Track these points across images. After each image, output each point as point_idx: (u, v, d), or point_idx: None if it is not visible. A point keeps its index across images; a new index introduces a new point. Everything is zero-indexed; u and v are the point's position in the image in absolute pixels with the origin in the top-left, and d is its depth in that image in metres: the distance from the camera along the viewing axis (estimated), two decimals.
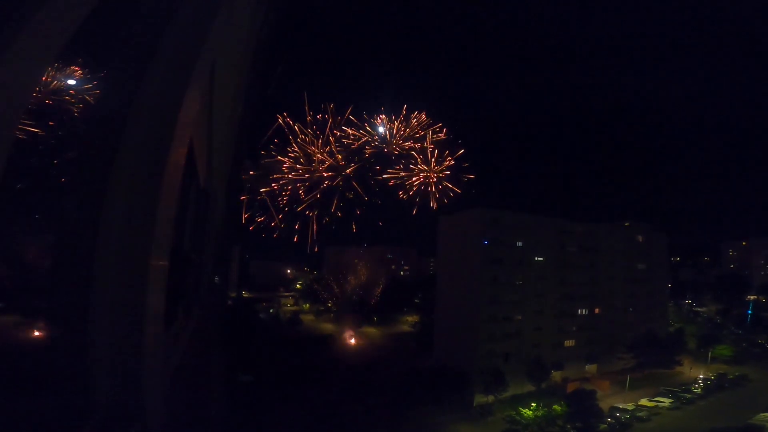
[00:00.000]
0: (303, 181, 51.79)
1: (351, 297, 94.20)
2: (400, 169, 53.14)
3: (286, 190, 50.98)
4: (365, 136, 53.30)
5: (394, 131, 53.31)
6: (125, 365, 4.56)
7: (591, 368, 69.27)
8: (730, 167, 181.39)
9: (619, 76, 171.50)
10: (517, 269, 66.93)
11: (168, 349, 6.49)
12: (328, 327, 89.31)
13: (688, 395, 59.37)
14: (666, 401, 57.19)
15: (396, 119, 53.65)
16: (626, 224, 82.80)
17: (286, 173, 50.93)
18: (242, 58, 9.39)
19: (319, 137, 52.10)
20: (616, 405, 55.10)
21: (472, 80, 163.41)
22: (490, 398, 56.58)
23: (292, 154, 51.39)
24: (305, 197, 51.54)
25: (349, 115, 52.78)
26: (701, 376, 66.07)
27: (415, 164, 53.48)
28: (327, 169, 52.47)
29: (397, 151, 52.79)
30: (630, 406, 55.07)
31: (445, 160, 53.25)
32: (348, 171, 52.68)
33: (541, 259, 69.41)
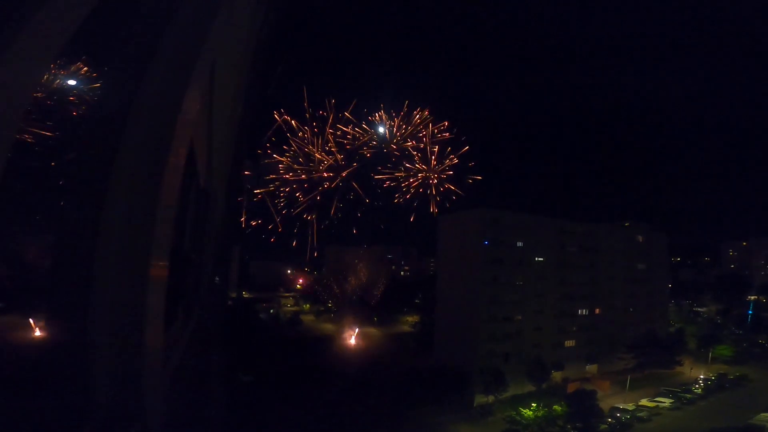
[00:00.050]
0: (302, 182, 51.77)
1: (351, 297, 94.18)
2: (398, 171, 53.03)
3: (284, 192, 50.96)
4: (365, 135, 53.25)
5: (395, 129, 53.12)
6: (125, 365, 4.55)
7: (591, 368, 69.30)
8: (730, 167, 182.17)
9: (619, 76, 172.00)
10: (517, 269, 66.94)
11: (168, 349, 6.48)
12: (328, 327, 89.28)
13: (688, 395, 59.43)
14: (666, 401, 57.23)
15: (397, 117, 53.39)
16: (626, 224, 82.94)
17: (285, 174, 50.90)
18: (242, 58, 9.39)
19: (319, 137, 52.05)
20: (616, 405, 55.12)
21: (472, 80, 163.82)
22: (491, 398, 56.56)
23: (290, 154, 51.34)
24: (304, 199, 51.50)
25: (349, 113, 52.72)
26: (702, 377, 66.14)
27: (415, 164, 53.31)
28: (327, 170, 52.43)
29: (398, 153, 52.75)
30: (630, 407, 55.09)
31: (447, 159, 53.00)
32: (347, 172, 52.72)
33: (541, 259, 69.45)
